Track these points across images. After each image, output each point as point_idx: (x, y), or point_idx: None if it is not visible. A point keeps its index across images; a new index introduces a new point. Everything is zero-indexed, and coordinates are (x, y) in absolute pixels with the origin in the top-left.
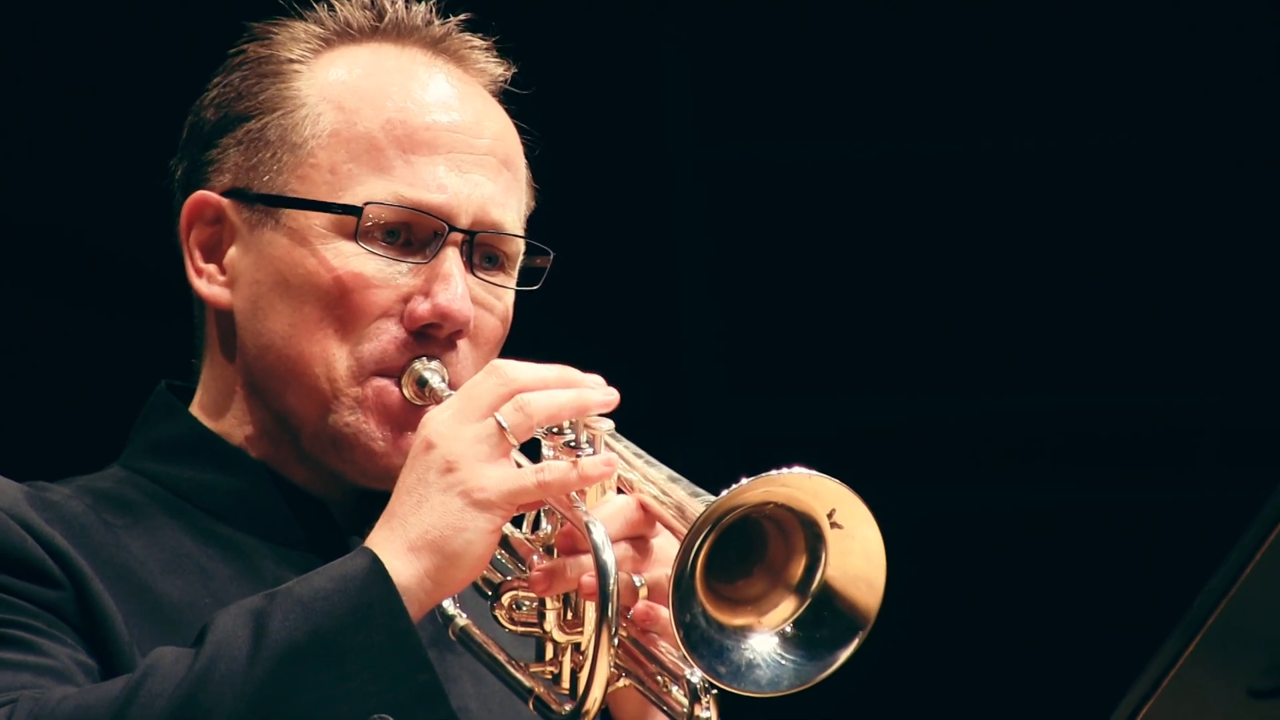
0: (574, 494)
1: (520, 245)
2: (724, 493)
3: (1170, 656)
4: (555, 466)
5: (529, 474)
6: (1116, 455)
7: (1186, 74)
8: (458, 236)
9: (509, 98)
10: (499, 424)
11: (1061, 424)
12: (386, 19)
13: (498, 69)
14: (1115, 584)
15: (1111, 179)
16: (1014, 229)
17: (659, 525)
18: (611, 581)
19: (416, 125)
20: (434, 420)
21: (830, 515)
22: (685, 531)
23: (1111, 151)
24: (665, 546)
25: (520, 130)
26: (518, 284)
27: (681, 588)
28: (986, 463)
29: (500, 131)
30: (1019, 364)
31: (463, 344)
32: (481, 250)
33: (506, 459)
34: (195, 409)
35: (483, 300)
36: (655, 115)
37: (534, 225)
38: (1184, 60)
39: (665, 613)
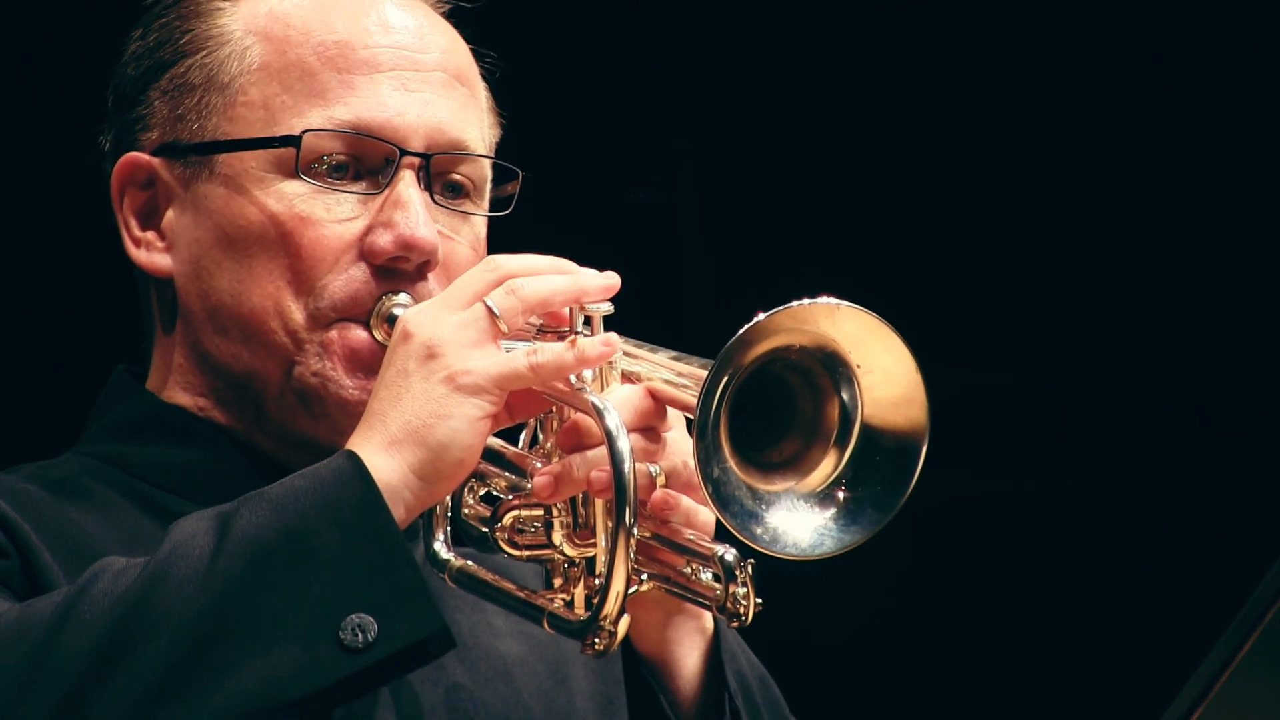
0: (576, 381)
1: (485, 168)
2: (740, 331)
3: (1222, 659)
4: (550, 347)
5: (520, 356)
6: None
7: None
8: (413, 160)
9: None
10: (487, 308)
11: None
12: None
13: None
14: (1158, 583)
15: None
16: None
17: (670, 420)
18: (627, 465)
19: (354, 46)
20: (411, 311)
21: (851, 354)
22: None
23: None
24: (679, 440)
25: (481, 57)
26: (489, 213)
27: (707, 437)
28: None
29: (448, 46)
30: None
31: (433, 277)
32: (441, 178)
33: (495, 344)
34: (150, 389)
35: (449, 229)
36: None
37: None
38: None
39: (685, 500)
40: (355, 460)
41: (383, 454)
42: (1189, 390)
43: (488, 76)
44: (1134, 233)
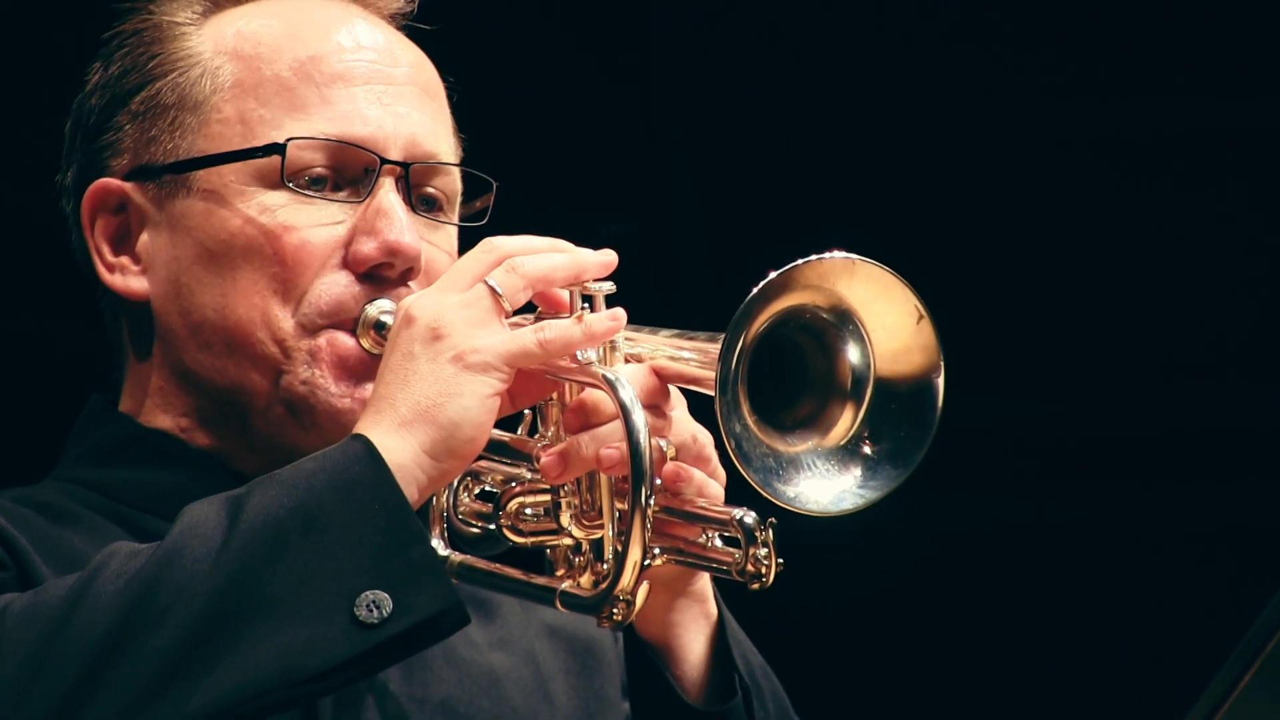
0: (582, 359)
1: (458, 183)
2: (755, 289)
3: (1228, 682)
4: (556, 324)
5: (528, 333)
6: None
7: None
8: (393, 169)
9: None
10: (489, 287)
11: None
12: None
13: (398, 1)
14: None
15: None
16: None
17: (674, 400)
18: (643, 436)
19: (329, 61)
20: (412, 297)
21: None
22: (713, 375)
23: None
24: (683, 419)
25: (442, 79)
26: (463, 223)
27: (728, 393)
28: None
29: (416, 61)
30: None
31: (415, 284)
32: (416, 191)
33: (500, 322)
34: (126, 412)
35: (429, 238)
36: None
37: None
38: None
39: (697, 473)
40: (365, 442)
41: (394, 434)
42: (1214, 418)
43: (451, 95)
44: (1159, 261)
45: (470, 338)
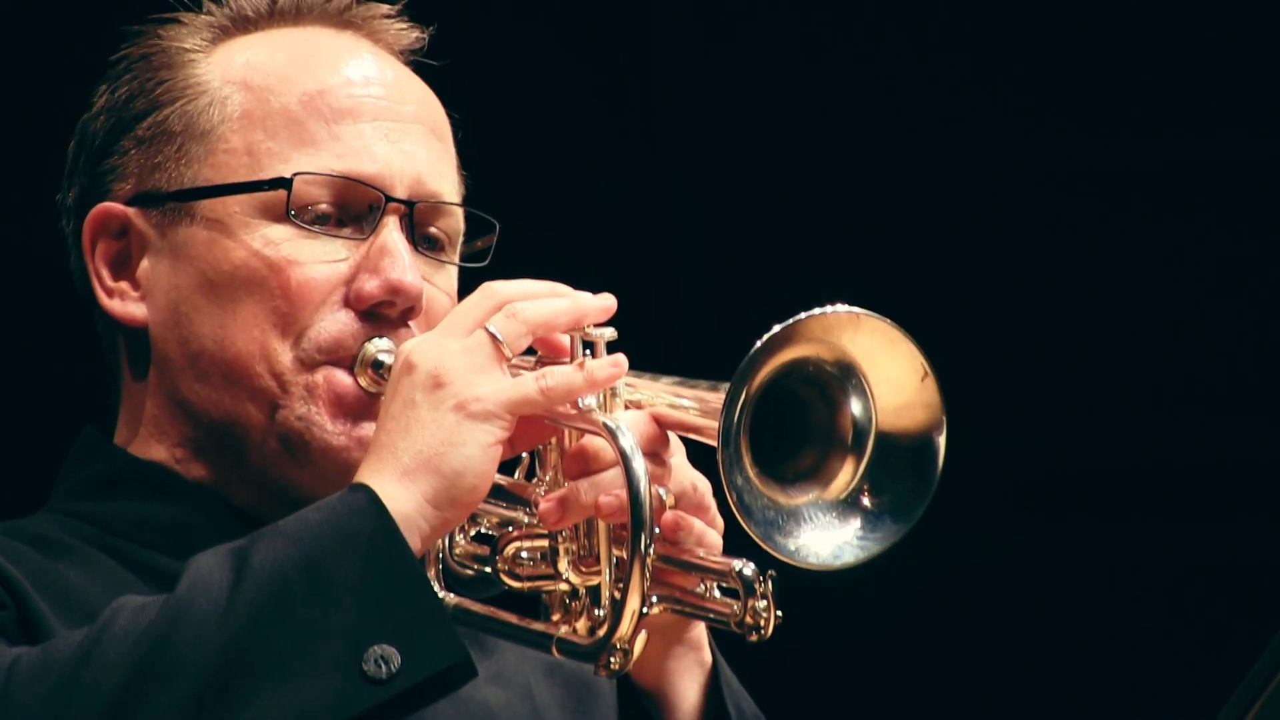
0: (583, 406)
1: (460, 223)
2: (759, 342)
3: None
4: (558, 371)
5: (529, 380)
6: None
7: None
8: (398, 207)
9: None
10: (490, 333)
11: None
12: (281, 2)
13: (409, 35)
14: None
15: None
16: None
17: (673, 447)
18: (643, 484)
19: (337, 95)
20: (412, 342)
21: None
22: (713, 425)
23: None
24: (683, 466)
25: (448, 115)
26: (464, 263)
27: (730, 445)
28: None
29: (424, 99)
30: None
31: (415, 324)
32: (419, 230)
33: (501, 369)
34: (119, 443)
35: (430, 278)
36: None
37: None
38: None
39: (697, 522)
40: (369, 492)
41: (396, 484)
42: (1213, 453)
43: (456, 131)
44: (1159, 294)
45: (472, 386)
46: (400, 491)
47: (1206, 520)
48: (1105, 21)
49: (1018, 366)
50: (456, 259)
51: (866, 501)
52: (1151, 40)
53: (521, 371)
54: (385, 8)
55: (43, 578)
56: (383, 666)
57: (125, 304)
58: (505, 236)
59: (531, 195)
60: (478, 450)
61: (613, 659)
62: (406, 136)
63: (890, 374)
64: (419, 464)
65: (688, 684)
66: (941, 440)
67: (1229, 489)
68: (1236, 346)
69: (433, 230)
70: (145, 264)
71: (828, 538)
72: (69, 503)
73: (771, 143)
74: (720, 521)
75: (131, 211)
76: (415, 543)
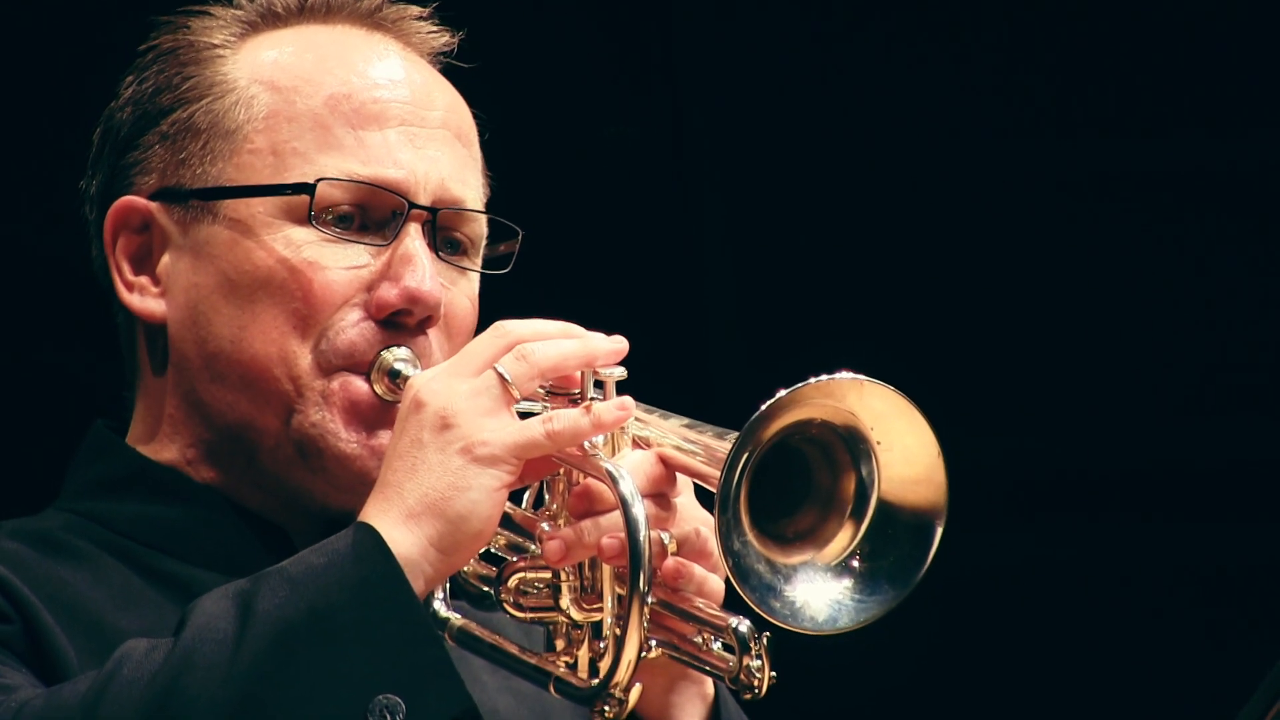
0: (589, 446)
1: (483, 228)
2: (763, 406)
3: None
4: (565, 414)
5: (536, 424)
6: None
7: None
8: (420, 214)
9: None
10: (499, 375)
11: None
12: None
13: (439, 39)
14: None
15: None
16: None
17: (680, 486)
18: (643, 533)
19: (363, 99)
20: (422, 378)
21: (873, 430)
22: (717, 474)
23: None
24: (689, 506)
25: (474, 116)
26: (486, 270)
27: (728, 511)
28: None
29: (451, 104)
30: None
31: (433, 332)
32: (442, 234)
33: (509, 412)
34: (132, 441)
35: (451, 284)
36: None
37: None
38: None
39: (698, 569)
40: (374, 535)
41: (401, 527)
42: (1225, 453)
43: (483, 134)
44: (1166, 294)
45: (479, 429)
46: (404, 534)
47: (1219, 522)
48: (1114, 25)
49: (1032, 368)
50: (479, 264)
51: (862, 565)
52: (1158, 43)
53: (532, 406)
54: (416, 9)
55: (48, 587)
56: (388, 717)
57: (145, 299)
58: (528, 242)
59: (555, 199)
60: (483, 495)
61: (608, 707)
62: (431, 142)
63: (906, 440)
64: (424, 507)
65: (689, 716)
66: (940, 527)
67: (1241, 491)
68: (1250, 348)
69: (456, 235)
70: (166, 260)
71: (823, 602)
72: (79, 501)
73: (796, 151)
74: (724, 567)
75: (154, 207)
76: (419, 586)
